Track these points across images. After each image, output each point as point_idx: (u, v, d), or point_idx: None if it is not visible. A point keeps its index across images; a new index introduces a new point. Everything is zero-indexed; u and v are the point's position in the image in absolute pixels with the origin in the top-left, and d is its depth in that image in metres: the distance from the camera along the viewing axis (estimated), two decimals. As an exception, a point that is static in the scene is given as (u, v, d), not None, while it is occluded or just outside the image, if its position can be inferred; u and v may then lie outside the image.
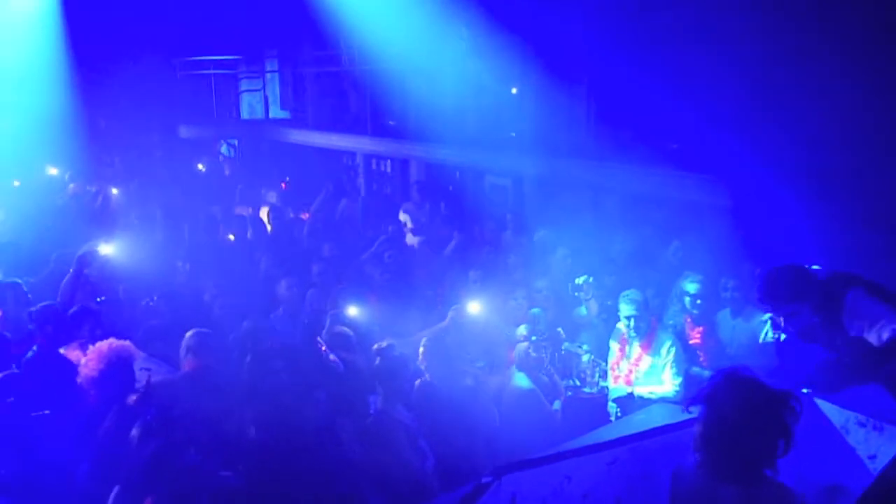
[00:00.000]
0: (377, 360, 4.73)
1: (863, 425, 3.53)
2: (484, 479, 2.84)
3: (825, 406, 3.65)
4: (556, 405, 5.39)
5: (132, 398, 4.31)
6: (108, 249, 6.15)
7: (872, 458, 3.48)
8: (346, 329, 5.50)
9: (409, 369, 4.70)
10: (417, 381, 4.75)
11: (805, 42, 5.90)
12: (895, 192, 5.33)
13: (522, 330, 5.54)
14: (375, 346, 4.81)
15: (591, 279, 5.99)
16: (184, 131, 14.89)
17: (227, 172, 14.82)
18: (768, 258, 6.00)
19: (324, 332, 5.72)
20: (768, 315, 5.37)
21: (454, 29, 9.88)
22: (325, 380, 4.98)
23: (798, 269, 3.65)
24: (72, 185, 11.18)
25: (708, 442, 2.67)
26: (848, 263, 3.94)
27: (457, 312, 5.78)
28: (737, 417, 2.60)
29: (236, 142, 16.46)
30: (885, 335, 3.36)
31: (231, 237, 8.38)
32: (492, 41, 9.30)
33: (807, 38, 5.87)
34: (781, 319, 3.76)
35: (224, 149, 16.81)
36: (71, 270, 5.65)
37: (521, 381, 5.21)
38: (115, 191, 9.54)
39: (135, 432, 3.82)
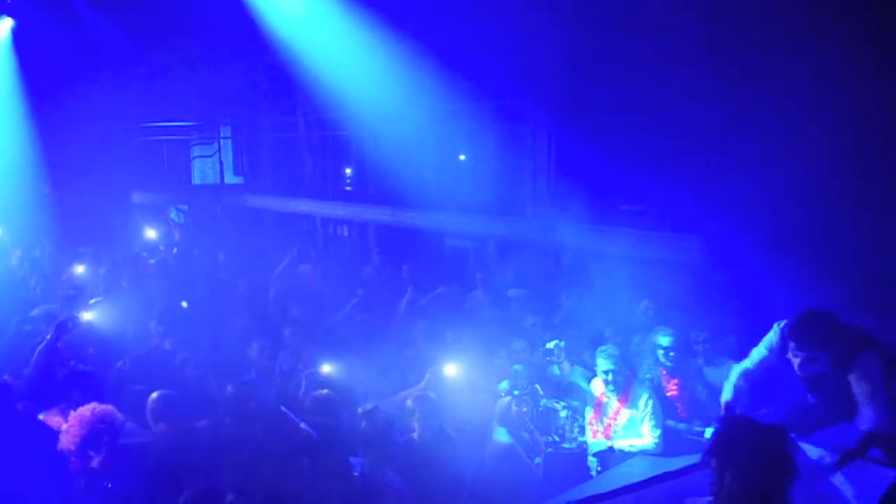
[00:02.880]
0: (363, 424, 4.73)
1: (848, 465, 3.68)
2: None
3: (810, 449, 3.80)
4: (538, 461, 5.44)
5: (96, 460, 4.21)
6: (88, 316, 6.06)
7: (858, 497, 3.63)
8: (328, 392, 5.48)
9: (397, 431, 4.72)
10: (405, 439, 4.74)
11: (763, 102, 6.29)
12: (858, 247, 5.66)
13: (504, 385, 5.61)
14: (360, 410, 4.81)
15: (561, 343, 6.12)
16: (136, 197, 14.73)
17: (176, 238, 14.65)
18: (736, 312, 6.32)
19: (301, 392, 5.70)
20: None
21: (410, 94, 10.15)
22: (309, 443, 4.94)
23: (834, 320, 3.79)
24: (17, 252, 10.91)
25: (728, 488, 2.79)
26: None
27: (433, 375, 5.83)
28: (751, 461, 2.74)
29: (186, 207, 16.39)
30: (863, 426, 3.58)
31: (184, 304, 8.29)
32: (449, 105, 9.59)
33: (765, 99, 6.27)
34: (798, 360, 3.86)
35: (174, 214, 16.68)
36: (48, 337, 5.51)
37: (502, 436, 5.26)
38: (79, 269, 9.36)
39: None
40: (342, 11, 10.46)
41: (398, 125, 10.41)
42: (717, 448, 2.88)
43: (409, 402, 5.02)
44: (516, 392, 5.43)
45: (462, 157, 10.07)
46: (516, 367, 5.86)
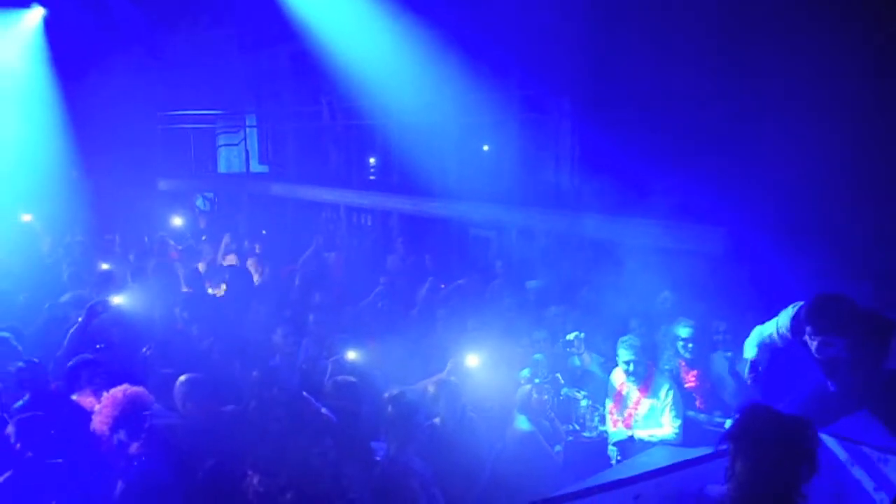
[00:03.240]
0: (388, 408, 4.79)
1: (867, 457, 3.68)
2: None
3: (829, 440, 3.80)
4: (558, 449, 5.48)
5: (134, 446, 4.33)
6: (119, 300, 6.19)
7: (879, 490, 3.63)
8: (350, 378, 5.55)
9: (422, 416, 4.78)
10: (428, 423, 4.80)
11: (784, 98, 6.25)
12: (879, 242, 5.62)
13: (525, 373, 5.66)
14: (387, 395, 4.86)
15: (581, 335, 6.15)
16: (163, 184, 14.94)
17: (202, 225, 14.85)
18: (758, 304, 6.30)
19: (327, 378, 5.78)
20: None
21: (436, 83, 10.17)
22: (331, 427, 5.03)
23: (850, 304, 3.74)
24: (48, 238, 11.13)
25: (740, 476, 2.80)
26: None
27: (455, 364, 5.88)
28: (766, 449, 2.74)
29: (212, 195, 16.59)
30: None
31: (223, 287, 8.41)
32: (473, 95, 9.61)
33: (786, 95, 6.23)
34: (814, 344, 3.82)
35: (199, 202, 16.89)
36: (80, 320, 5.63)
37: (522, 423, 5.30)
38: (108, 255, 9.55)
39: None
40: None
41: (422, 115, 10.44)
42: (733, 433, 2.88)
43: (430, 388, 5.07)
44: (537, 380, 5.46)
45: (486, 148, 10.06)
46: (537, 355, 5.90)
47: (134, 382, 4.78)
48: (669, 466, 3.53)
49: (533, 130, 8.91)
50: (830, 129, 5.91)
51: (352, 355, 5.90)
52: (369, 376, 5.79)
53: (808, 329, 3.83)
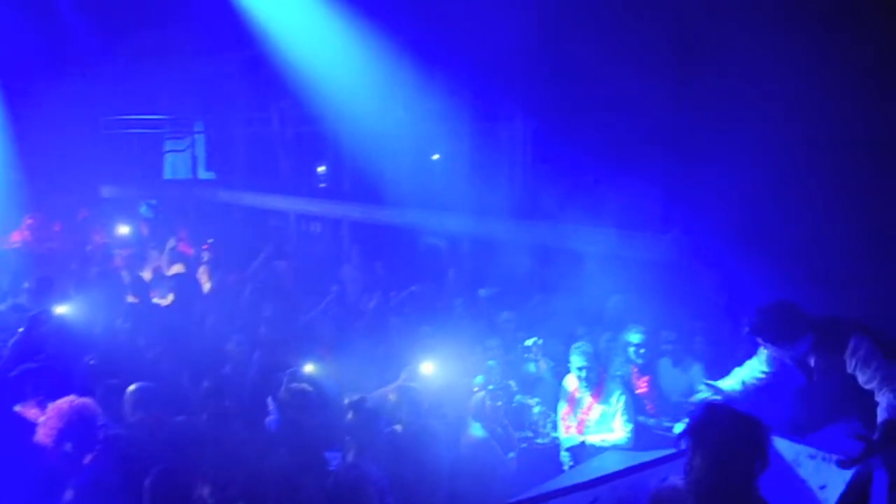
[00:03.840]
0: (350, 415, 4.75)
1: (812, 457, 3.79)
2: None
3: (778, 441, 3.92)
4: (511, 455, 5.51)
5: (88, 458, 4.21)
6: (61, 309, 6.01)
7: (823, 488, 3.75)
8: (305, 386, 5.50)
9: (383, 423, 4.76)
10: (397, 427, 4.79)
11: (737, 105, 6.43)
12: (832, 247, 5.81)
13: (479, 380, 5.68)
14: (347, 401, 4.83)
15: (540, 341, 6.21)
16: (106, 191, 14.56)
17: (145, 233, 14.50)
18: (707, 311, 6.47)
19: (282, 389, 5.71)
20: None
21: (388, 90, 10.16)
22: (286, 437, 4.96)
23: (789, 309, 3.90)
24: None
25: (699, 470, 2.88)
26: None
27: (410, 372, 5.87)
28: (725, 443, 2.84)
29: (156, 202, 16.24)
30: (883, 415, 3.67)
31: (170, 297, 8.23)
32: (427, 102, 9.63)
33: (739, 102, 6.41)
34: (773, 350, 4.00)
35: (143, 209, 16.51)
36: (20, 330, 5.45)
37: (477, 430, 5.32)
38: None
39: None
40: (321, 6, 10.45)
41: (375, 122, 10.41)
42: (691, 429, 2.96)
43: (391, 395, 5.05)
44: (491, 387, 5.49)
45: (437, 156, 10.09)
46: (490, 362, 5.93)
47: (79, 394, 4.66)
48: (624, 470, 3.59)
49: (486, 138, 8.97)
50: (783, 134, 6.10)
51: (308, 368, 5.84)
52: (323, 386, 5.73)
53: (759, 341, 3.98)
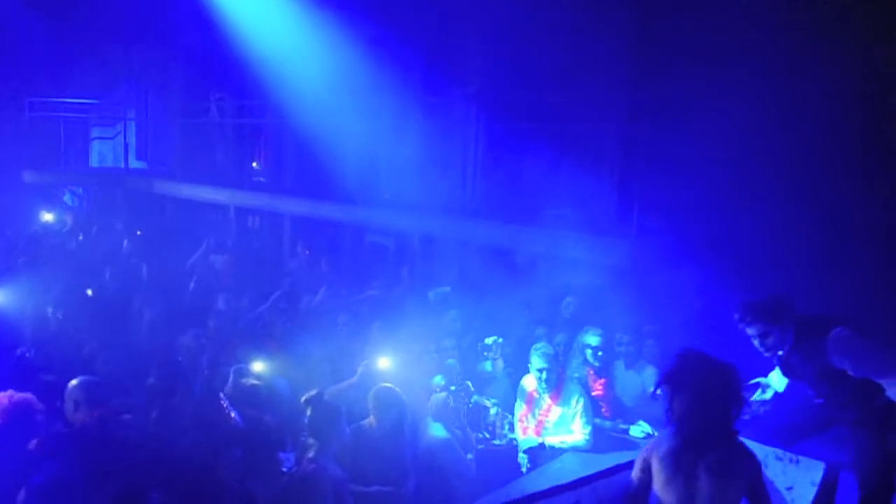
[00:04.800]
0: (308, 411, 4.60)
1: (780, 459, 3.88)
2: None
3: (746, 443, 3.97)
4: (469, 457, 5.44)
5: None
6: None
7: (790, 489, 3.83)
8: (255, 381, 5.30)
9: (343, 418, 4.61)
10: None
11: (694, 111, 6.54)
12: (788, 254, 5.96)
13: (439, 380, 5.58)
14: (304, 397, 4.67)
15: (500, 340, 6.16)
16: (28, 176, 13.78)
17: (68, 223, 13.83)
18: (660, 315, 6.55)
19: (228, 386, 5.48)
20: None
21: (336, 83, 9.94)
22: (238, 437, 4.76)
23: (780, 296, 4.06)
24: None
25: (679, 413, 3.12)
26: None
27: (367, 367, 5.74)
28: (700, 387, 3.09)
29: (80, 190, 15.50)
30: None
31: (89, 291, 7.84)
32: (376, 96, 9.48)
33: (696, 109, 6.52)
34: (756, 342, 4.08)
35: (67, 198, 15.73)
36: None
37: (438, 431, 5.23)
38: None
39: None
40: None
41: (319, 115, 10.18)
42: (668, 376, 3.18)
43: (370, 396, 4.90)
44: (453, 388, 5.40)
45: (387, 152, 9.93)
46: (450, 361, 5.84)
47: (12, 388, 4.35)
48: (606, 470, 3.58)
49: (437, 135, 8.87)
50: (743, 139, 6.22)
51: (258, 366, 5.62)
52: (273, 383, 5.54)
53: (745, 324, 4.08)
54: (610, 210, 7.13)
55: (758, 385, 4.38)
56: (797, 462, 3.82)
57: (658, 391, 3.21)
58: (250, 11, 10.44)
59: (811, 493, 3.71)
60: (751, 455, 3.24)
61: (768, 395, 4.34)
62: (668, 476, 3.15)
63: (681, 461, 3.13)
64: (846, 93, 6.01)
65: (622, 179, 7.12)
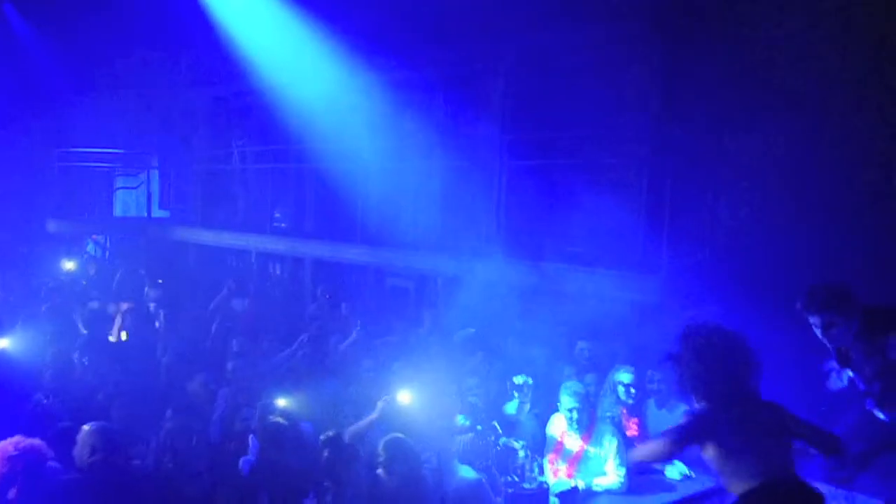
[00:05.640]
0: (325, 453, 4.43)
1: (835, 498, 3.63)
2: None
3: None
4: (499, 500, 5.20)
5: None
6: (5, 343, 5.54)
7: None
8: (280, 419, 5.13)
9: (361, 460, 4.43)
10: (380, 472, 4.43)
11: (721, 147, 6.41)
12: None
13: (463, 420, 5.38)
14: (323, 437, 4.50)
15: (529, 381, 5.97)
16: (52, 226, 13.90)
17: (92, 272, 13.87)
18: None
19: (255, 422, 5.33)
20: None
21: (359, 122, 9.94)
22: (264, 480, 4.58)
23: (847, 287, 3.90)
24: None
25: (684, 381, 3.29)
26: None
27: (387, 403, 5.56)
28: (714, 350, 3.22)
29: (103, 239, 15.60)
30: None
31: (124, 334, 7.75)
32: (400, 135, 9.44)
33: (722, 145, 6.39)
34: (819, 331, 3.94)
35: (90, 247, 15.83)
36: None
37: (467, 472, 5.01)
38: None
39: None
40: (286, 41, 10.26)
41: (343, 159, 10.18)
42: (678, 347, 3.37)
43: (380, 448, 4.70)
44: (479, 427, 5.19)
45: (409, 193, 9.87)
46: (472, 399, 5.64)
47: (25, 434, 4.21)
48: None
49: (461, 173, 8.79)
50: (772, 174, 6.07)
51: (282, 402, 5.46)
52: (298, 423, 5.36)
53: (807, 317, 3.96)
54: (638, 246, 6.94)
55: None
56: (853, 500, 3.57)
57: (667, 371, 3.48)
58: (271, 55, 10.53)
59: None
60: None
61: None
62: (730, 447, 3.16)
63: (734, 426, 3.16)
64: (879, 125, 5.86)
65: (650, 214, 6.95)
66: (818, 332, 3.95)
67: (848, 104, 5.85)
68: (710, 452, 3.29)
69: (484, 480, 4.92)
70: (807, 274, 5.80)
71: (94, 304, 8.86)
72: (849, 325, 3.84)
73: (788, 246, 6.03)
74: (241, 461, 4.88)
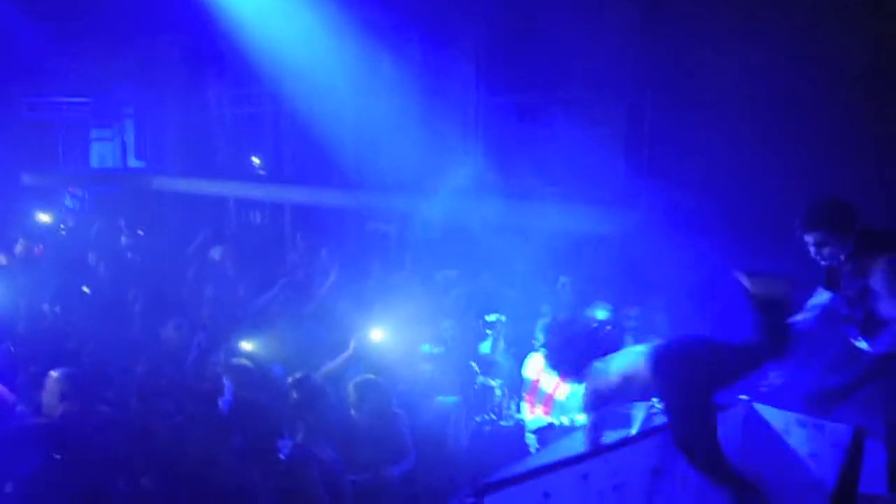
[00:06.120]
0: (294, 394, 4.38)
1: (803, 425, 3.61)
2: (466, 501, 2.68)
3: (765, 410, 3.72)
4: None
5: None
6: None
7: (814, 455, 3.56)
8: (245, 361, 5.09)
9: (330, 400, 4.40)
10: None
11: (701, 82, 6.27)
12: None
13: (427, 348, 5.41)
14: (291, 379, 4.46)
15: (502, 317, 5.92)
16: (27, 179, 13.65)
17: (70, 225, 13.68)
18: (669, 288, 6.27)
19: (220, 364, 5.29)
20: None
21: (332, 65, 9.68)
22: (241, 423, 4.54)
23: (848, 206, 3.74)
24: None
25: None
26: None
27: (359, 341, 5.54)
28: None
29: (80, 192, 15.35)
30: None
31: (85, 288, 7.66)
32: (374, 78, 9.21)
33: (703, 79, 6.24)
34: (812, 249, 3.82)
35: (68, 201, 15.59)
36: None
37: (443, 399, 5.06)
38: None
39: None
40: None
41: (317, 100, 9.95)
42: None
43: (350, 388, 4.67)
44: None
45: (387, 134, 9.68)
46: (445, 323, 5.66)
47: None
48: (614, 443, 3.36)
49: (438, 112, 8.61)
50: (753, 111, 5.95)
51: (246, 346, 5.42)
52: (266, 366, 5.32)
53: (802, 233, 3.84)
54: (618, 181, 6.84)
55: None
56: (821, 427, 3.55)
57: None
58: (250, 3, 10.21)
59: (836, 459, 3.44)
60: None
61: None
62: None
63: None
64: (857, 66, 5.72)
65: (630, 149, 6.83)
66: (812, 249, 3.83)
67: (830, 42, 5.69)
68: None
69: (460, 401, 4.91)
70: (788, 206, 5.75)
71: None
72: (843, 244, 3.72)
73: (769, 179, 5.94)
74: (220, 401, 4.85)
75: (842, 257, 3.77)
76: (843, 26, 5.82)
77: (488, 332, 5.87)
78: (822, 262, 3.86)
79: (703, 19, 6.42)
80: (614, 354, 3.75)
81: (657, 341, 5.68)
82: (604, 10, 6.99)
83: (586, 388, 3.78)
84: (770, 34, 6.06)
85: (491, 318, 5.85)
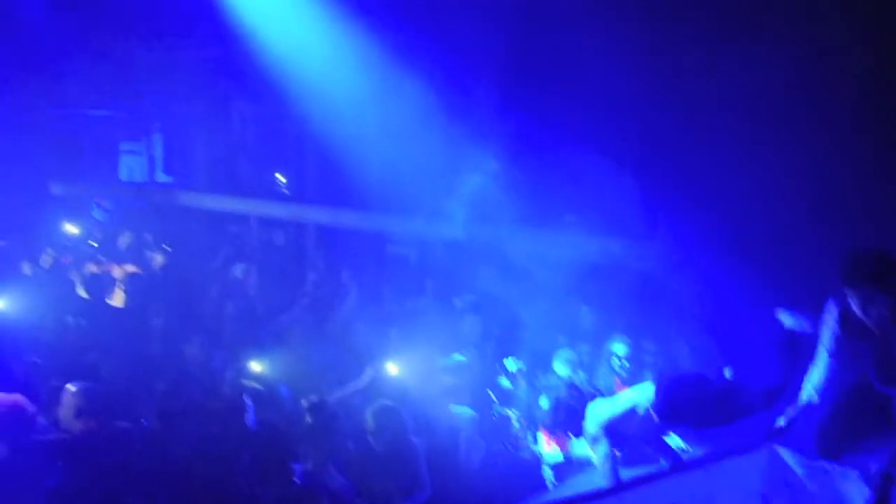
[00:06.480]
0: (307, 418, 4.39)
1: (827, 472, 3.55)
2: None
3: (787, 454, 3.66)
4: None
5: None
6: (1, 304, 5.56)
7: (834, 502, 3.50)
8: (254, 384, 5.11)
9: (343, 427, 4.40)
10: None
11: (725, 110, 6.23)
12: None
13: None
14: (305, 402, 4.47)
15: (523, 367, 5.88)
16: (56, 189, 13.86)
17: (98, 237, 13.86)
18: (690, 323, 6.21)
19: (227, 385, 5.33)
20: None
21: (357, 88, 9.76)
22: (249, 442, 4.55)
23: (884, 253, 3.51)
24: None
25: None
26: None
27: (375, 370, 5.54)
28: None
29: (108, 204, 15.55)
30: None
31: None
32: (397, 94, 9.27)
33: (726, 108, 6.20)
34: (859, 307, 3.54)
35: (96, 213, 15.80)
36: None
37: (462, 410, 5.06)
38: None
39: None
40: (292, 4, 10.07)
41: (342, 122, 10.03)
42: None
43: (368, 416, 4.66)
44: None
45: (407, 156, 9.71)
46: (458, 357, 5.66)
47: (20, 393, 4.21)
48: (631, 481, 3.33)
49: (462, 140, 8.65)
50: (773, 142, 5.90)
51: (256, 366, 5.45)
52: (274, 389, 5.33)
53: (846, 291, 3.56)
54: (635, 212, 6.82)
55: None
56: (846, 475, 3.49)
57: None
58: (270, 17, 10.34)
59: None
60: None
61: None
62: None
63: None
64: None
65: (651, 182, 6.81)
66: (857, 310, 3.52)
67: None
68: None
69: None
70: (808, 250, 5.68)
71: (93, 268, 8.85)
72: (887, 296, 3.43)
73: (791, 213, 5.87)
74: (245, 419, 4.87)
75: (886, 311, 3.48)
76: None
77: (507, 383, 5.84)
78: (872, 322, 3.55)
79: (720, 48, 6.37)
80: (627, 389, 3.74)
81: (665, 377, 5.70)
82: (628, 47, 6.97)
83: (597, 423, 3.76)
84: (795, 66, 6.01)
85: (511, 366, 5.82)
